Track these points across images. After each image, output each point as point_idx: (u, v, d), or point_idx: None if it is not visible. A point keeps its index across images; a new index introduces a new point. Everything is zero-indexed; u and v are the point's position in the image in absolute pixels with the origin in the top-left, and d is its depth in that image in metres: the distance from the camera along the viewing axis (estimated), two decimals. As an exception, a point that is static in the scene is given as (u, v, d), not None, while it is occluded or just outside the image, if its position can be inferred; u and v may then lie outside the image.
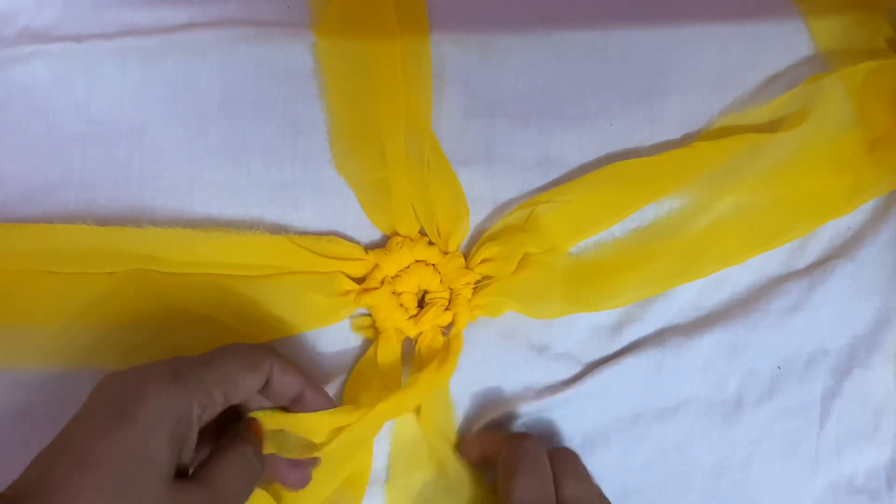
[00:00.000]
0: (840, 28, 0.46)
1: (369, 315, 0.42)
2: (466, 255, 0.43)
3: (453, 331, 0.42)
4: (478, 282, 0.42)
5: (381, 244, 0.43)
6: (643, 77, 0.45)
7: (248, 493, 0.33)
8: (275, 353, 0.35)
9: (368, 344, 0.42)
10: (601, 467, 0.42)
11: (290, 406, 0.37)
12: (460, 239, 0.43)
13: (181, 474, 0.31)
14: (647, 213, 0.44)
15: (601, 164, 0.44)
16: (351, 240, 0.43)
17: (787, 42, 0.46)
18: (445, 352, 0.41)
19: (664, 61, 0.45)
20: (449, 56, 0.44)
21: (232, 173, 0.42)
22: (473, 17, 0.44)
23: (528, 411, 0.42)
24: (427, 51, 0.43)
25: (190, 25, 0.43)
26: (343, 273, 0.41)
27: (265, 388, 0.35)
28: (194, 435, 0.31)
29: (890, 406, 0.44)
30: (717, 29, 0.45)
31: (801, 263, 0.45)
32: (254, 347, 0.35)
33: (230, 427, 0.35)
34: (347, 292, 0.41)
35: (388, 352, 0.41)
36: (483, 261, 0.42)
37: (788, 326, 0.44)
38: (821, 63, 0.46)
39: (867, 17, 0.47)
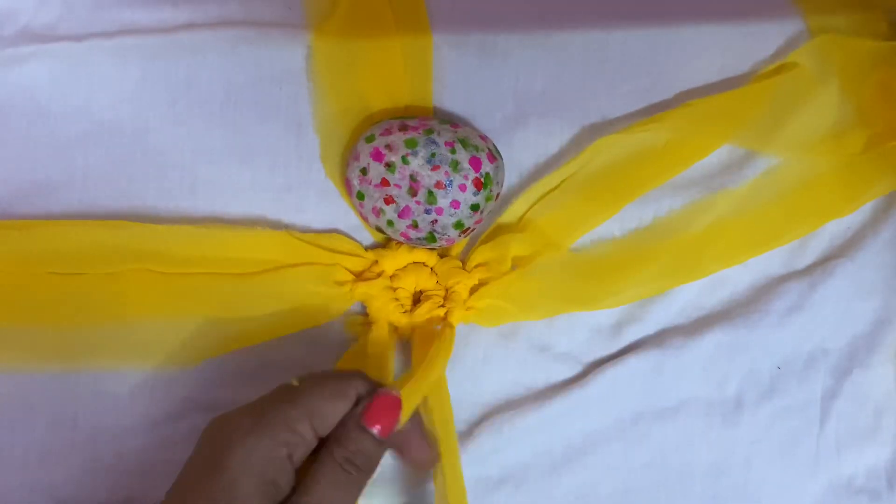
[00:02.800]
0: (840, 28, 0.46)
1: (364, 316, 0.42)
2: (465, 258, 0.43)
3: (445, 322, 0.42)
4: (475, 286, 0.42)
5: (381, 246, 0.43)
6: (643, 77, 0.45)
7: (344, 497, 0.32)
8: (361, 377, 0.34)
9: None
10: (601, 467, 0.42)
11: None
12: (460, 244, 0.43)
13: None
14: (647, 213, 0.44)
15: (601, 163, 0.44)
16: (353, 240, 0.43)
17: (787, 42, 0.46)
18: (440, 340, 0.41)
19: (664, 61, 0.45)
20: (448, 56, 0.44)
21: (235, 174, 0.42)
22: (473, 17, 0.44)
23: (529, 412, 0.42)
24: (428, 51, 0.43)
25: (190, 25, 0.43)
26: (341, 265, 0.42)
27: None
28: (290, 474, 0.31)
29: (890, 406, 0.44)
30: (717, 29, 0.45)
31: (802, 263, 0.45)
32: (340, 375, 0.34)
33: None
34: (343, 283, 0.41)
35: (379, 343, 0.41)
36: (478, 264, 0.42)
37: (788, 326, 0.44)
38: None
39: (867, 17, 0.47)
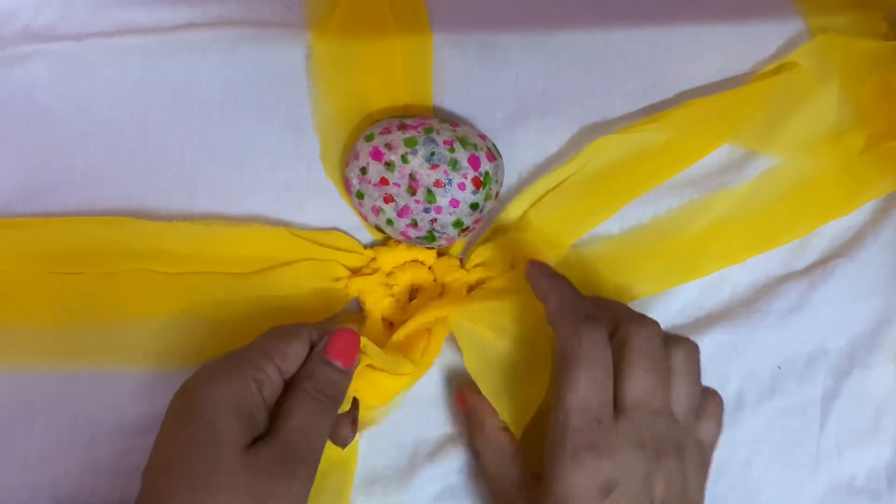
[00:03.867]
0: (840, 28, 0.46)
1: (359, 313, 0.42)
2: (465, 257, 0.43)
3: (439, 319, 0.41)
4: (472, 284, 0.42)
5: (380, 245, 0.43)
6: (643, 77, 0.45)
7: (317, 423, 0.33)
8: (308, 324, 0.36)
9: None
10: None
11: None
12: (460, 245, 0.43)
13: None
14: (647, 213, 0.44)
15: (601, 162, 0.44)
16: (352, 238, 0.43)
17: (787, 42, 0.46)
18: (429, 335, 0.41)
19: (664, 61, 0.45)
20: (448, 56, 0.44)
21: (235, 174, 0.42)
22: (473, 17, 0.44)
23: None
24: (428, 51, 0.43)
25: (190, 25, 0.43)
26: (338, 262, 0.42)
27: None
28: (262, 409, 0.33)
29: (890, 406, 0.44)
30: (717, 29, 0.45)
31: (802, 263, 0.45)
32: (290, 324, 0.36)
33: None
34: (340, 279, 0.41)
35: (372, 338, 0.40)
36: (477, 264, 0.42)
37: (789, 326, 0.44)
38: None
39: (867, 17, 0.47)
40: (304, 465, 0.32)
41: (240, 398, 0.32)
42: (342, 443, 0.37)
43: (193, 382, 0.33)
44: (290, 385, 0.34)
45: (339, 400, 0.35)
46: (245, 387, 0.32)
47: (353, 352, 0.35)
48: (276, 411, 0.33)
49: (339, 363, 0.35)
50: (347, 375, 0.35)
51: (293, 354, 0.34)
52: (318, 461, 0.33)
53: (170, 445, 0.32)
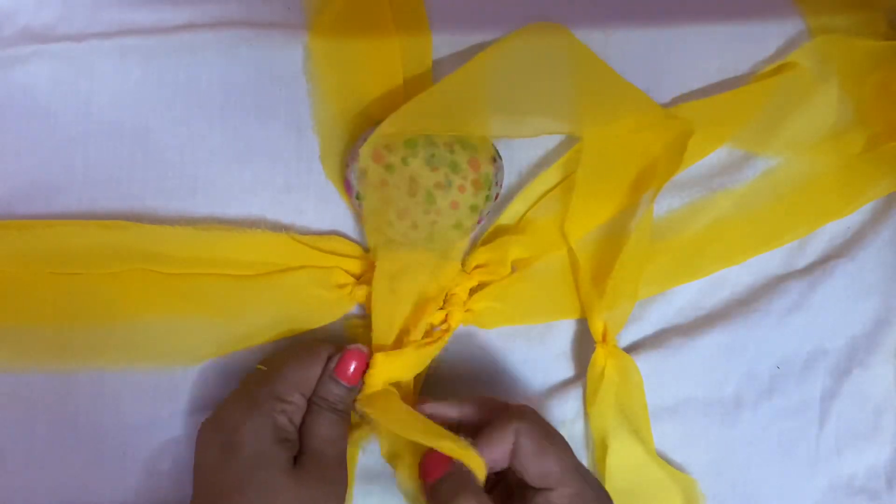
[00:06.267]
0: (840, 28, 0.46)
1: (362, 318, 0.43)
2: (465, 259, 0.43)
3: (443, 326, 0.42)
4: (474, 287, 0.42)
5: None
6: (643, 77, 0.45)
7: (338, 432, 0.37)
8: (326, 342, 0.39)
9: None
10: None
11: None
12: (462, 247, 0.43)
13: None
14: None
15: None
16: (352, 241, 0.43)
17: (787, 42, 0.46)
18: (432, 338, 0.41)
19: (664, 61, 0.45)
20: (448, 57, 0.44)
21: (235, 175, 0.42)
22: (473, 17, 0.44)
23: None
24: (428, 52, 0.43)
25: (190, 26, 0.43)
26: (341, 268, 0.42)
27: None
28: (295, 432, 0.36)
29: (889, 406, 0.45)
30: (717, 29, 0.45)
31: (801, 263, 0.45)
32: (307, 344, 0.40)
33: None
34: (344, 285, 0.41)
35: (378, 341, 0.41)
36: (477, 266, 0.42)
37: (788, 326, 0.44)
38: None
39: (867, 17, 0.47)
40: (339, 469, 0.37)
41: (276, 430, 0.35)
42: None
43: (229, 419, 0.36)
44: (310, 401, 0.38)
45: (349, 411, 0.39)
46: (278, 420, 0.36)
47: (359, 371, 0.38)
48: (302, 428, 0.37)
49: (345, 381, 0.38)
50: (354, 391, 0.39)
51: (314, 379, 0.38)
52: (346, 463, 0.38)
53: (220, 477, 0.35)
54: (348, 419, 0.38)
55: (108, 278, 0.40)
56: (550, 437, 0.36)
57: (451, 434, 0.36)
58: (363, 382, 0.39)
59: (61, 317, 0.40)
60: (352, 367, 0.38)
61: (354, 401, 0.39)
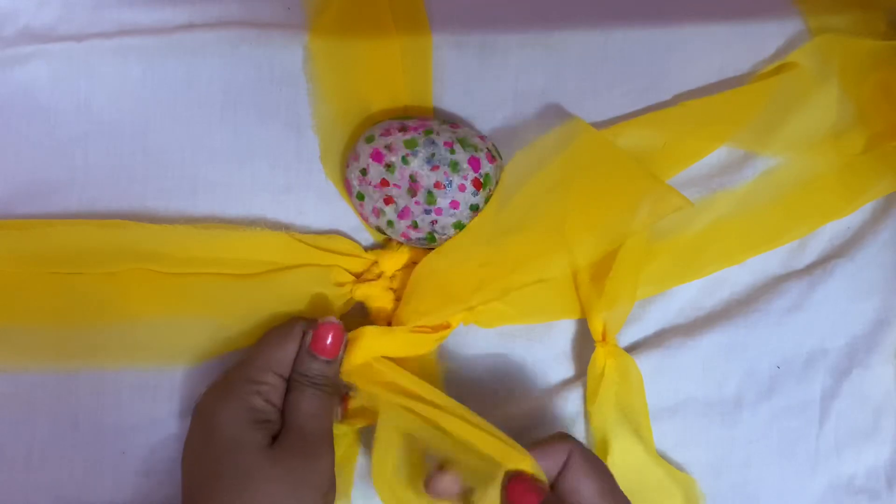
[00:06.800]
0: (840, 28, 0.46)
1: (363, 316, 0.43)
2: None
3: (443, 323, 0.42)
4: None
5: (381, 247, 0.43)
6: (643, 77, 0.45)
7: (320, 407, 0.37)
8: (299, 318, 0.39)
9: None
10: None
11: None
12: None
13: None
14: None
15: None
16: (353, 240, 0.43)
17: (787, 42, 0.46)
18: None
19: (664, 61, 0.45)
20: (448, 57, 0.44)
21: (235, 175, 0.42)
22: (473, 18, 0.44)
23: (527, 411, 0.42)
24: (428, 51, 0.43)
25: (190, 26, 0.43)
26: (340, 267, 0.42)
27: None
28: (273, 412, 0.37)
29: (889, 406, 0.44)
30: (717, 29, 0.45)
31: (801, 263, 0.45)
32: (281, 325, 0.39)
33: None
34: (343, 284, 0.41)
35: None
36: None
37: (788, 326, 0.44)
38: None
39: (867, 17, 0.47)
40: (322, 444, 0.37)
41: (251, 412, 0.36)
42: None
43: (205, 407, 0.37)
44: (291, 378, 0.38)
45: (333, 386, 0.38)
46: (253, 401, 0.36)
47: (336, 344, 0.38)
48: (285, 406, 0.37)
49: (323, 355, 0.38)
50: (334, 364, 0.38)
51: (288, 357, 0.38)
52: (332, 438, 0.37)
53: (200, 465, 0.36)
54: (331, 393, 0.38)
55: (108, 278, 0.40)
56: (598, 460, 0.36)
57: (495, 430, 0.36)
58: (344, 354, 0.39)
59: (61, 316, 0.40)
60: (328, 341, 0.38)
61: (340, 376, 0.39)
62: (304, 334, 0.38)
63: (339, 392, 0.40)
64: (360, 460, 0.42)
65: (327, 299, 0.41)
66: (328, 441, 0.37)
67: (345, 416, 0.40)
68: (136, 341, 0.40)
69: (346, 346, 0.39)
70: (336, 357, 0.38)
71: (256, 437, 0.35)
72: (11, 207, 0.41)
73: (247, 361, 0.38)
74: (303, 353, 0.38)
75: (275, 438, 0.36)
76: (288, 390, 0.37)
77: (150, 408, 0.41)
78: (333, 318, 0.39)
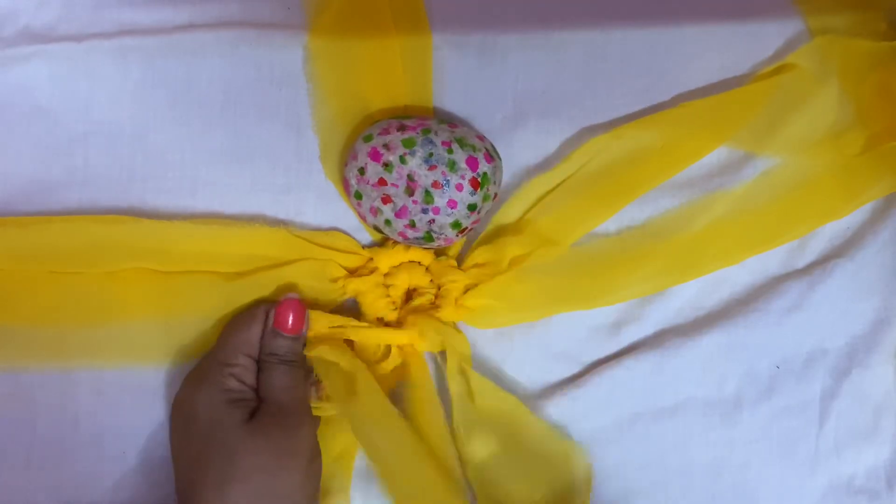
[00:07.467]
0: (840, 28, 0.46)
1: (357, 312, 0.43)
2: (463, 258, 0.43)
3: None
4: (469, 285, 0.42)
5: (379, 245, 0.43)
6: (643, 77, 0.45)
7: (292, 380, 0.39)
8: (264, 303, 0.40)
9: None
10: (601, 467, 0.42)
11: None
12: (458, 245, 0.43)
13: None
14: (645, 213, 0.44)
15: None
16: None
17: (787, 42, 0.46)
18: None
19: (664, 61, 0.45)
20: (448, 57, 0.44)
21: (235, 175, 0.42)
22: (473, 18, 0.44)
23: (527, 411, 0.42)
24: (428, 51, 0.43)
25: (190, 26, 0.43)
26: (336, 262, 0.42)
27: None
28: (248, 391, 0.38)
29: (889, 406, 0.44)
30: (717, 29, 0.45)
31: (801, 263, 0.45)
32: (245, 310, 0.40)
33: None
34: (336, 279, 0.42)
35: (366, 336, 0.42)
36: (475, 265, 0.42)
37: (787, 326, 0.44)
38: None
39: (867, 17, 0.47)
40: (301, 415, 0.38)
41: (227, 393, 0.37)
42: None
43: (183, 397, 0.38)
44: (260, 359, 0.39)
45: (300, 360, 0.40)
46: (227, 383, 0.37)
47: (298, 319, 0.40)
48: (259, 386, 0.38)
49: (287, 332, 0.39)
50: (299, 340, 0.40)
51: (254, 338, 0.39)
52: (310, 408, 0.39)
53: (186, 451, 0.37)
54: (301, 367, 0.40)
55: (107, 277, 0.40)
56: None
57: None
58: (307, 329, 0.40)
59: (60, 316, 0.40)
60: (290, 318, 0.39)
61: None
62: (268, 315, 0.39)
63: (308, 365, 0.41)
64: (359, 459, 0.42)
65: (321, 293, 0.42)
66: (306, 410, 0.39)
67: (320, 396, 0.41)
68: (136, 341, 0.41)
69: (308, 320, 0.40)
70: (300, 332, 0.40)
71: (235, 414, 0.36)
72: (11, 207, 0.41)
73: (216, 348, 0.39)
74: (268, 333, 0.39)
75: (253, 416, 0.37)
76: (259, 370, 0.39)
77: (150, 408, 0.41)
78: (293, 295, 0.40)
